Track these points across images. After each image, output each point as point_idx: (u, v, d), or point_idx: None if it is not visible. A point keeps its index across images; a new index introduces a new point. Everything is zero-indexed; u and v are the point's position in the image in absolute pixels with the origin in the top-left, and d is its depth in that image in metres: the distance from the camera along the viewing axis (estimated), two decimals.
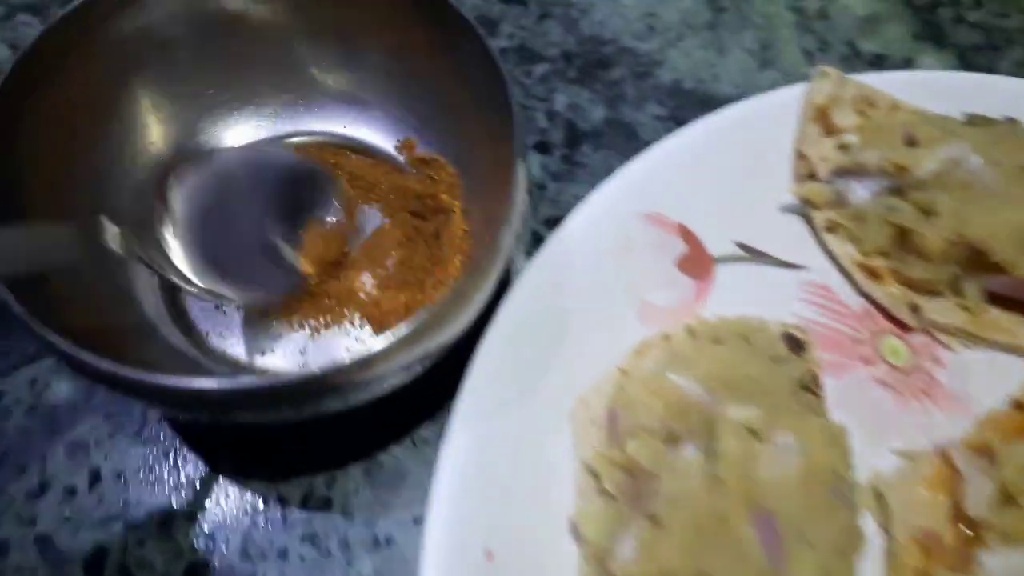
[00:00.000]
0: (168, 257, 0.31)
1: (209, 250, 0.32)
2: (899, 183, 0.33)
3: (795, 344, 0.31)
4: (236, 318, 0.34)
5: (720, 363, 0.29)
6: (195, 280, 0.31)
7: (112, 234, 0.30)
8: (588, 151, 0.41)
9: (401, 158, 0.37)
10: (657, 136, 0.37)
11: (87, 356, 0.24)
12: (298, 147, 0.38)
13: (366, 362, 0.25)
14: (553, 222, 0.36)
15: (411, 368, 0.28)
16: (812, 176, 0.35)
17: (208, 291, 0.32)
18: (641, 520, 0.27)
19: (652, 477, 0.28)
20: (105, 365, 0.24)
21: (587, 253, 0.33)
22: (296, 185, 0.35)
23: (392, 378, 0.28)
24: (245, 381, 0.24)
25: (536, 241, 0.37)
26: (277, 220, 0.34)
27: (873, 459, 0.30)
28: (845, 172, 0.35)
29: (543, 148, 0.42)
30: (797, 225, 0.35)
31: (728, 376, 0.29)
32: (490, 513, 0.29)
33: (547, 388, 0.31)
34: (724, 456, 0.27)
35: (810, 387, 0.31)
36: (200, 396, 0.24)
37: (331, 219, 0.35)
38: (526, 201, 0.29)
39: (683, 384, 0.29)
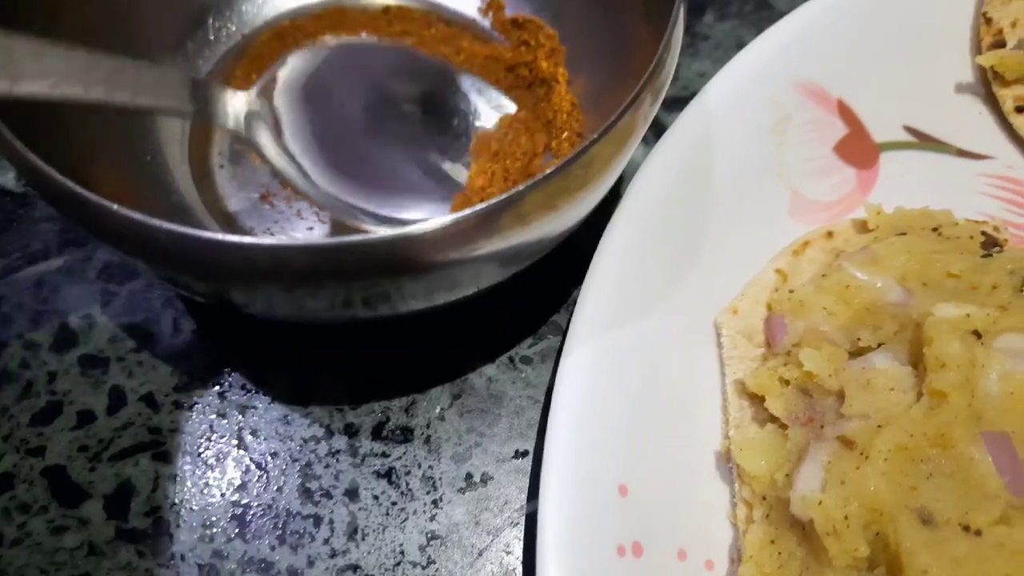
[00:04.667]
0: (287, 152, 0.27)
1: (332, 156, 0.27)
2: None
3: (991, 244, 0.25)
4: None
5: (915, 258, 0.23)
6: (318, 183, 0.27)
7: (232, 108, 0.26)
8: (711, 21, 0.34)
9: (486, 22, 0.31)
10: (795, 5, 0.30)
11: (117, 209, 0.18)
12: (367, 15, 0.31)
13: (454, 228, 0.18)
14: (674, 104, 0.29)
15: (513, 258, 0.22)
16: (999, 44, 0.29)
17: (335, 199, 0.27)
18: (828, 446, 0.21)
19: (831, 395, 0.23)
20: (141, 219, 0.18)
21: (733, 129, 0.27)
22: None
23: (488, 267, 0.21)
24: (322, 242, 0.19)
25: (654, 129, 0.30)
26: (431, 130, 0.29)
27: None
28: None
29: None
30: (978, 106, 0.29)
31: (927, 274, 0.23)
32: (621, 441, 0.23)
33: (684, 294, 0.25)
34: (942, 364, 0.21)
35: None
36: (275, 258, 0.18)
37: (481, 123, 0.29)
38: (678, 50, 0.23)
39: (876, 283, 0.23)
